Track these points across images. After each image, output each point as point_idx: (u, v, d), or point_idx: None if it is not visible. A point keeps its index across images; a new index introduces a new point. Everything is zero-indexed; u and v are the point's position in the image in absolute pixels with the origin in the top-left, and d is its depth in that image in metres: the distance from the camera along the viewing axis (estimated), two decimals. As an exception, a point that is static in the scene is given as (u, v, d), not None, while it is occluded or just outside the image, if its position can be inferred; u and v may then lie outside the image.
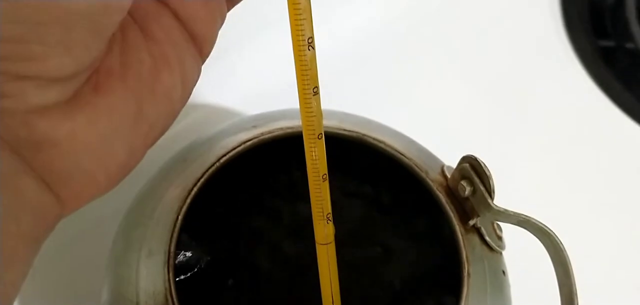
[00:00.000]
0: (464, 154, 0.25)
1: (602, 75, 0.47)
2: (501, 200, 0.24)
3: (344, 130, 0.25)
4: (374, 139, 0.25)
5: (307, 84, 0.18)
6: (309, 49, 0.18)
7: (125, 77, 0.17)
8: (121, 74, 0.17)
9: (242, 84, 0.42)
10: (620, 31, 0.49)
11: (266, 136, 0.25)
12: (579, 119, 0.44)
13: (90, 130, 0.16)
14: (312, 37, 0.18)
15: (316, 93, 0.18)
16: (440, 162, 0.28)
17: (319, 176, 0.20)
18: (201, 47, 0.19)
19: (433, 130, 0.40)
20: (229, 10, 0.20)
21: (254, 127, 0.26)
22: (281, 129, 0.25)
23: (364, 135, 0.25)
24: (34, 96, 0.14)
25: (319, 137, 0.19)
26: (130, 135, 0.17)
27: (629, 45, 0.48)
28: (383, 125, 0.28)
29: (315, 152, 0.19)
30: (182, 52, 0.18)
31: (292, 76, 0.18)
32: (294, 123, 0.25)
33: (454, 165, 0.26)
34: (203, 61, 0.19)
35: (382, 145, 0.25)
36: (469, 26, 0.48)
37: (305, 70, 0.18)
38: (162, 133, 0.18)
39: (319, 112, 0.19)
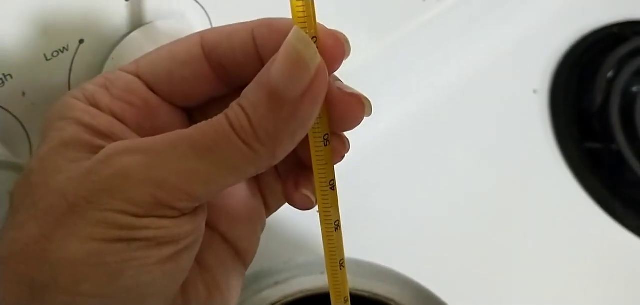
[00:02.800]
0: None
1: (588, 179, 0.53)
2: None
3: (357, 289, 0.30)
4: (385, 298, 0.30)
5: (339, 296, 0.23)
6: (338, 270, 0.22)
7: None
8: None
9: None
10: (605, 133, 0.55)
11: (289, 299, 0.29)
12: (568, 229, 0.49)
13: None
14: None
15: (346, 301, 0.23)
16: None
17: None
18: (245, 259, 0.23)
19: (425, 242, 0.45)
20: (267, 217, 0.24)
21: (276, 284, 0.31)
22: (301, 291, 0.30)
23: (376, 295, 0.30)
24: None
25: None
26: None
27: (614, 146, 0.54)
28: (392, 273, 0.33)
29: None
30: (230, 273, 0.22)
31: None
32: (311, 284, 0.30)
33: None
34: (246, 269, 0.23)
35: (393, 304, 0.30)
36: (456, 137, 0.54)
37: (336, 281, 0.23)
38: None
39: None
